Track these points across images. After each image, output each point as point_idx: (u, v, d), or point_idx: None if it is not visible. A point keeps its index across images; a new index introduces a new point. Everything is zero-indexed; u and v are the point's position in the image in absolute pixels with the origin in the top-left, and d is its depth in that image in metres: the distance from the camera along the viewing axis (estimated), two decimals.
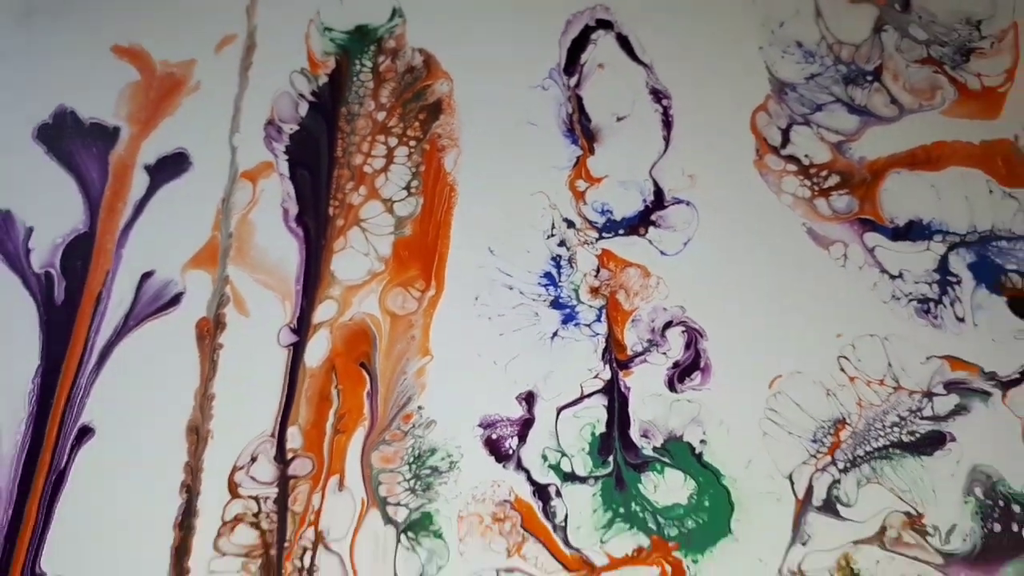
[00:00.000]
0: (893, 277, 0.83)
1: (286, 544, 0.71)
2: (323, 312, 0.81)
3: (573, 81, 0.93)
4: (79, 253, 0.83)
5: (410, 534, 0.71)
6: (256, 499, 0.73)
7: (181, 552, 0.70)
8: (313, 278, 0.82)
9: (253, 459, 0.74)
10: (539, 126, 0.90)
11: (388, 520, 0.72)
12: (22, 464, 0.74)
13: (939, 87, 0.93)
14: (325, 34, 0.95)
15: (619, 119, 0.91)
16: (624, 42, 0.95)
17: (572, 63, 0.94)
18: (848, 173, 0.88)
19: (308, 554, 0.71)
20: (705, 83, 0.93)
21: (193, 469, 0.73)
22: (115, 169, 0.87)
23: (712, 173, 0.88)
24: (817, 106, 0.92)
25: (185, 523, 0.72)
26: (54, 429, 0.75)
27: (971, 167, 0.89)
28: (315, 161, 0.88)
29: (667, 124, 0.90)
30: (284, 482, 0.73)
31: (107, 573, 0.70)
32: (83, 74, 0.91)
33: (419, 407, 0.76)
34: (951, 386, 0.78)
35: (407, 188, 0.87)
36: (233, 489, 0.73)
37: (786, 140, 0.90)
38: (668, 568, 0.71)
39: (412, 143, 0.89)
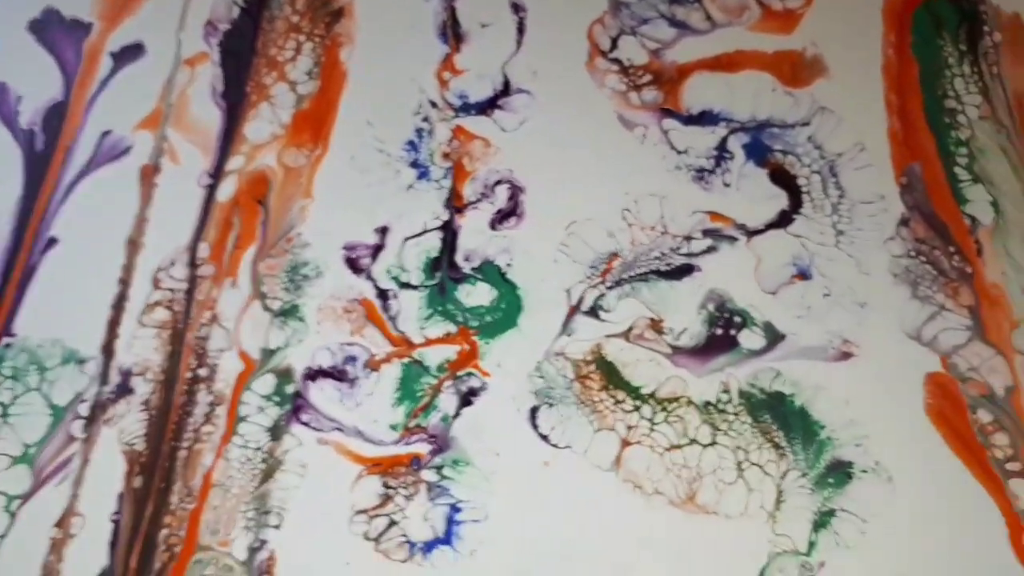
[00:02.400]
0: (680, 152, 1.09)
1: (190, 320, 1.00)
2: (234, 163, 1.09)
3: None
4: (56, 115, 1.11)
5: (281, 318, 1.00)
6: (171, 290, 1.01)
7: (113, 323, 0.99)
8: (229, 138, 1.10)
9: (172, 263, 1.03)
10: (419, 29, 1.17)
11: (266, 308, 1.00)
12: (3, 264, 1.04)
13: (747, 7, 1.18)
14: None
15: (483, 26, 1.17)
16: None
17: None
18: (659, 73, 1.14)
19: (205, 328, 1.00)
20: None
21: (128, 268, 1.02)
22: (87, 54, 1.16)
23: (551, 71, 1.14)
24: (644, 20, 1.17)
25: (118, 304, 1.01)
26: (29, 238, 1.05)
27: (763, 71, 1.14)
28: (240, 52, 1.16)
29: (521, 31, 1.16)
30: (193, 280, 1.02)
31: (62, 329, 0.99)
32: None
33: (299, 233, 1.04)
34: (708, 232, 1.04)
35: (309, 73, 1.14)
36: (156, 283, 1.02)
37: (614, 47, 1.16)
38: (467, 347, 0.98)
39: (317, 39, 1.16)
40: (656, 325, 0.96)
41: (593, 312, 0.97)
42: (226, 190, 1.04)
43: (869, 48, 1.13)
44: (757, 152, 1.06)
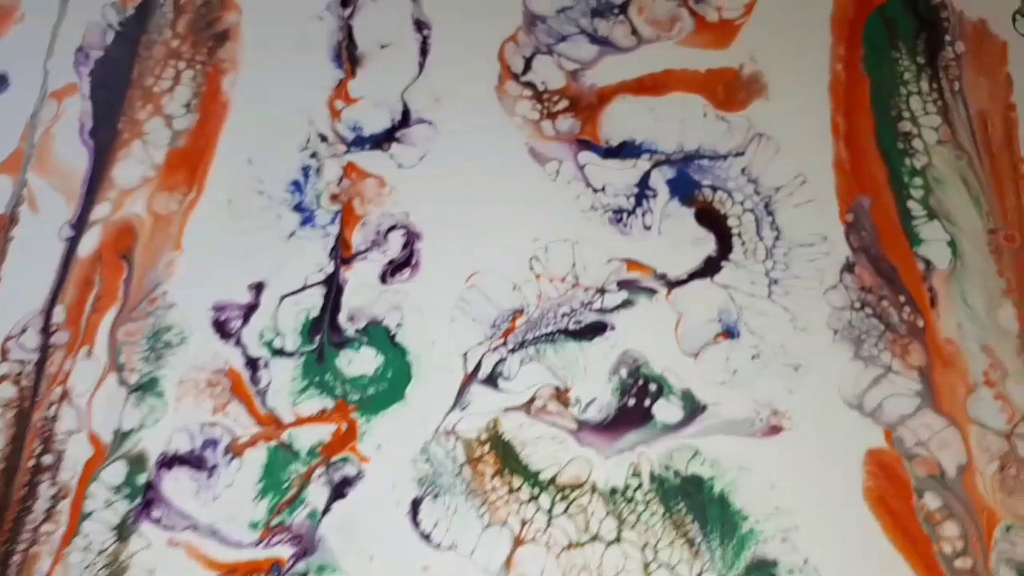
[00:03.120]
0: (596, 191, 0.96)
1: (38, 398, 0.88)
2: (99, 212, 0.96)
3: (347, 12, 1.06)
4: None
5: (138, 393, 0.87)
6: (20, 362, 0.89)
7: None
8: (96, 183, 0.98)
9: (23, 330, 0.90)
10: (311, 52, 1.04)
11: (122, 382, 0.88)
12: None
13: (679, 19, 1.05)
14: None
15: (382, 47, 1.04)
16: None
17: None
18: (577, 98, 1.01)
19: (54, 407, 0.87)
20: (464, 15, 1.05)
21: None
22: None
23: (456, 97, 1.01)
24: (562, 37, 1.04)
25: None
26: None
27: (693, 92, 1.00)
28: (114, 83, 1.03)
29: (424, 51, 1.03)
30: (45, 349, 0.90)
31: None
32: None
33: (164, 292, 0.91)
34: (624, 284, 0.91)
35: (187, 105, 1.01)
36: (4, 354, 0.90)
37: (527, 68, 1.02)
38: (344, 426, 0.86)
39: (198, 66, 1.03)
40: (561, 395, 0.83)
41: (492, 380, 0.85)
42: (88, 243, 0.92)
43: (815, 63, 1.00)
44: (683, 188, 0.93)
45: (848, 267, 0.90)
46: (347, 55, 1.02)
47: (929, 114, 0.97)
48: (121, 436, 0.84)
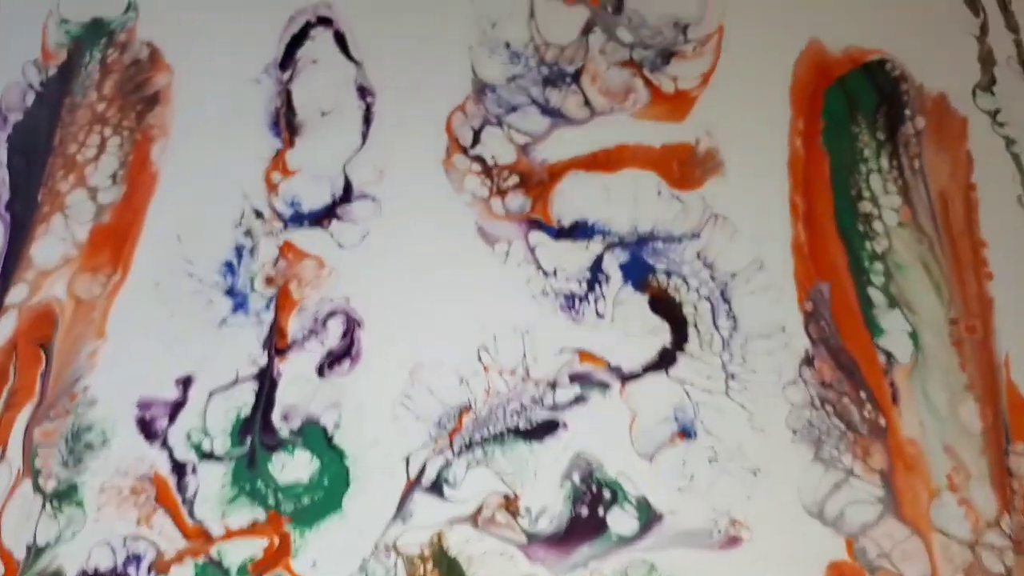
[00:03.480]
0: (547, 274, 0.90)
1: None
2: (15, 295, 0.89)
3: (287, 76, 0.99)
4: None
5: (55, 502, 0.80)
6: None
7: None
8: (12, 262, 0.90)
9: None
10: (247, 119, 0.97)
11: (38, 489, 0.81)
12: None
13: (633, 90, 1.00)
14: (61, 26, 1.01)
15: (323, 114, 0.97)
16: (340, 39, 1.01)
17: (289, 58, 1.00)
18: (528, 174, 0.96)
19: None
20: (411, 82, 0.99)
21: None
22: None
23: (401, 170, 0.95)
24: (512, 107, 0.98)
25: None
26: None
27: (647, 169, 0.95)
28: (33, 150, 0.95)
29: (367, 121, 0.97)
30: None
31: None
32: None
33: (85, 387, 0.84)
34: (575, 378, 0.86)
35: (113, 176, 0.94)
36: None
37: (476, 140, 0.97)
38: (276, 540, 0.80)
39: (126, 133, 0.96)
40: (511, 504, 0.79)
41: (436, 487, 0.80)
42: (3, 331, 0.85)
43: (773, 137, 0.96)
44: (637, 273, 0.89)
45: (807, 360, 0.86)
46: (285, 123, 0.96)
47: (889, 193, 0.94)
48: (36, 552, 0.77)
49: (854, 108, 0.98)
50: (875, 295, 0.89)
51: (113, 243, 0.90)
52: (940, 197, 0.93)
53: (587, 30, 1.02)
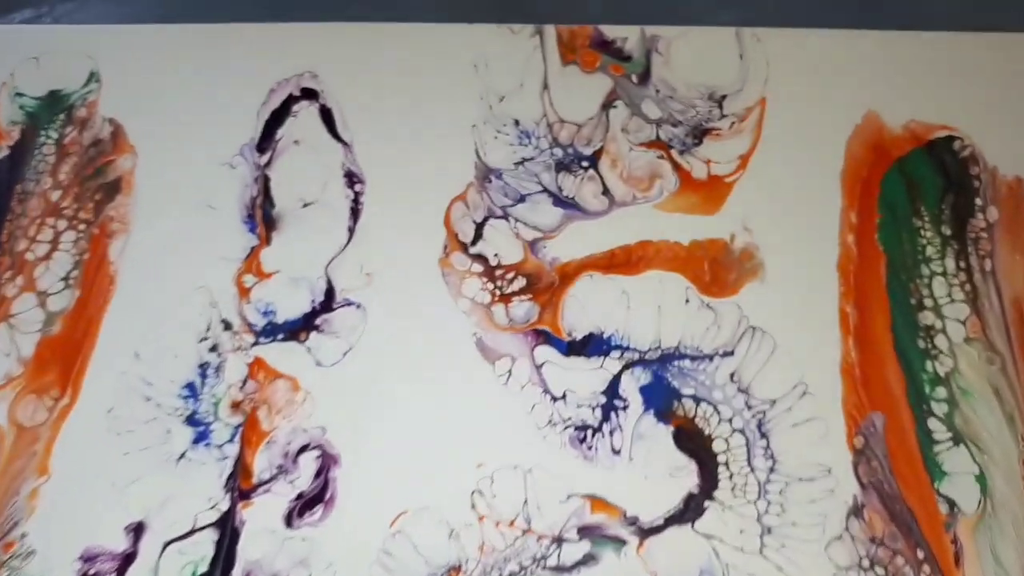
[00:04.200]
0: (556, 399, 0.77)
1: None
2: None
3: (264, 159, 0.86)
4: None
5: None
6: None
7: None
8: None
9: None
10: (218, 210, 0.85)
11: None
12: None
13: (659, 175, 0.86)
14: (16, 99, 0.89)
15: (305, 205, 0.85)
16: (327, 115, 0.88)
17: (268, 138, 0.87)
18: (536, 276, 0.82)
19: None
20: (406, 167, 0.86)
21: None
22: None
23: (392, 272, 0.82)
24: (521, 196, 0.85)
25: None
26: None
27: (673, 271, 0.82)
28: None
29: (355, 213, 0.84)
30: None
31: None
32: None
33: (23, 534, 0.73)
34: (585, 531, 0.73)
35: (66, 279, 0.82)
36: None
37: (479, 236, 0.83)
38: None
39: (82, 227, 0.84)
40: None
41: None
42: None
43: (822, 232, 0.81)
44: (660, 398, 0.75)
45: (856, 510, 0.73)
46: (262, 215, 0.83)
47: (955, 302, 0.79)
48: None
49: (915, 196, 0.83)
50: (937, 428, 0.74)
51: (63, 359, 0.77)
52: (1015, 306, 0.79)
53: (608, 104, 0.88)
